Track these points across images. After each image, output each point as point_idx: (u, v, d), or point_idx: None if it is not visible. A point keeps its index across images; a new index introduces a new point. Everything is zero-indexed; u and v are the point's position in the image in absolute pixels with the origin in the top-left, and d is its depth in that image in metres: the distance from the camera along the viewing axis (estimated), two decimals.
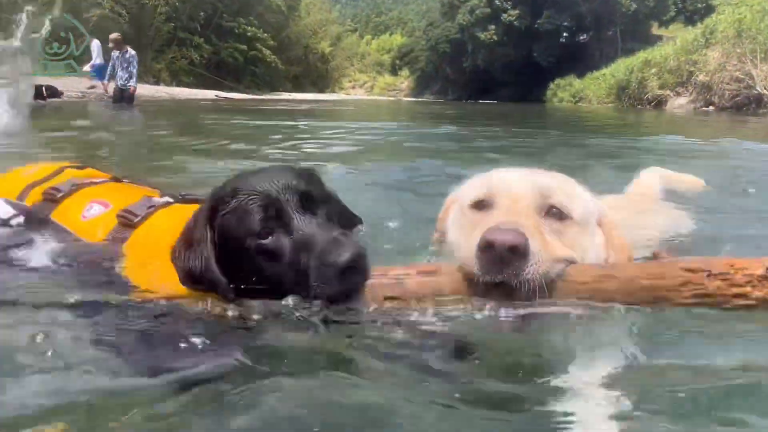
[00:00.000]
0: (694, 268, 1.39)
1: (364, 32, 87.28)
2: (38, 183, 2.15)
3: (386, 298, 1.46)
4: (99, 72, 19.62)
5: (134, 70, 15.82)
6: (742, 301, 1.36)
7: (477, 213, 1.59)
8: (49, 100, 16.35)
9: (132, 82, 15.98)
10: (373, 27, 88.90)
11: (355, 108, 26.12)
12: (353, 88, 74.52)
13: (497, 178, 1.65)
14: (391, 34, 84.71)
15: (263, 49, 42.54)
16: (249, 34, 40.78)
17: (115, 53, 15.82)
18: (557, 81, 49.50)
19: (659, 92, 28.79)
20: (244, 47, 40.33)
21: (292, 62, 51.54)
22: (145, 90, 22.91)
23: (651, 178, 3.28)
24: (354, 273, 1.40)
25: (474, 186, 1.69)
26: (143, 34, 31.93)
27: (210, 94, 31.08)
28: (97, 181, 2.17)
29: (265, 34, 42.95)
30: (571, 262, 1.48)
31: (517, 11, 56.90)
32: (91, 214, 1.95)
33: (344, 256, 1.36)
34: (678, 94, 28.25)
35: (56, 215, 2.00)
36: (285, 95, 41.65)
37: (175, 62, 34.64)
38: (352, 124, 12.08)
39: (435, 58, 68.00)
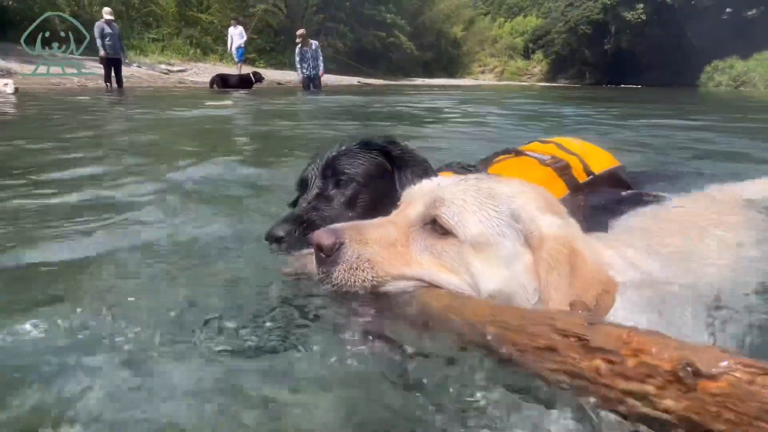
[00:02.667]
0: (567, 330, 0.92)
1: (497, 15, 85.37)
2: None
3: (285, 273, 1.53)
4: (240, 54, 22.84)
5: (321, 61, 18.25)
6: (642, 408, 0.81)
7: None
8: (256, 85, 19.49)
9: (321, 70, 18.74)
10: (506, 9, 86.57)
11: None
12: (482, 73, 73.53)
13: (423, 183, 1.48)
14: (525, 16, 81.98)
15: (400, 35, 44.13)
16: (388, 21, 42.57)
17: (301, 47, 18.28)
18: (714, 63, 44.88)
19: None
20: (383, 34, 42.16)
21: (425, 48, 52.56)
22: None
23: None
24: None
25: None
26: (296, 26, 34.99)
27: (353, 80, 33.25)
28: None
29: (402, 21, 44.45)
30: (430, 284, 1.25)
31: None
32: None
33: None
34: None
35: None
36: (418, 80, 42.88)
37: (322, 50, 37.45)
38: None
39: (573, 40, 64.67)
